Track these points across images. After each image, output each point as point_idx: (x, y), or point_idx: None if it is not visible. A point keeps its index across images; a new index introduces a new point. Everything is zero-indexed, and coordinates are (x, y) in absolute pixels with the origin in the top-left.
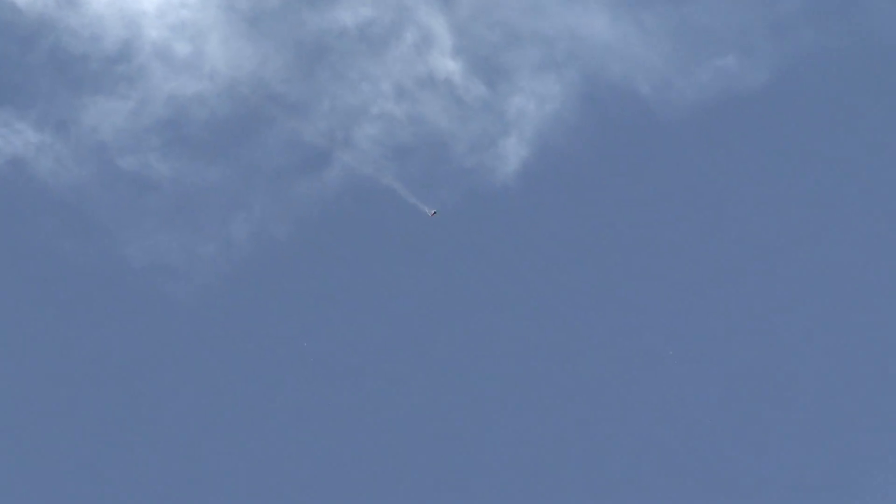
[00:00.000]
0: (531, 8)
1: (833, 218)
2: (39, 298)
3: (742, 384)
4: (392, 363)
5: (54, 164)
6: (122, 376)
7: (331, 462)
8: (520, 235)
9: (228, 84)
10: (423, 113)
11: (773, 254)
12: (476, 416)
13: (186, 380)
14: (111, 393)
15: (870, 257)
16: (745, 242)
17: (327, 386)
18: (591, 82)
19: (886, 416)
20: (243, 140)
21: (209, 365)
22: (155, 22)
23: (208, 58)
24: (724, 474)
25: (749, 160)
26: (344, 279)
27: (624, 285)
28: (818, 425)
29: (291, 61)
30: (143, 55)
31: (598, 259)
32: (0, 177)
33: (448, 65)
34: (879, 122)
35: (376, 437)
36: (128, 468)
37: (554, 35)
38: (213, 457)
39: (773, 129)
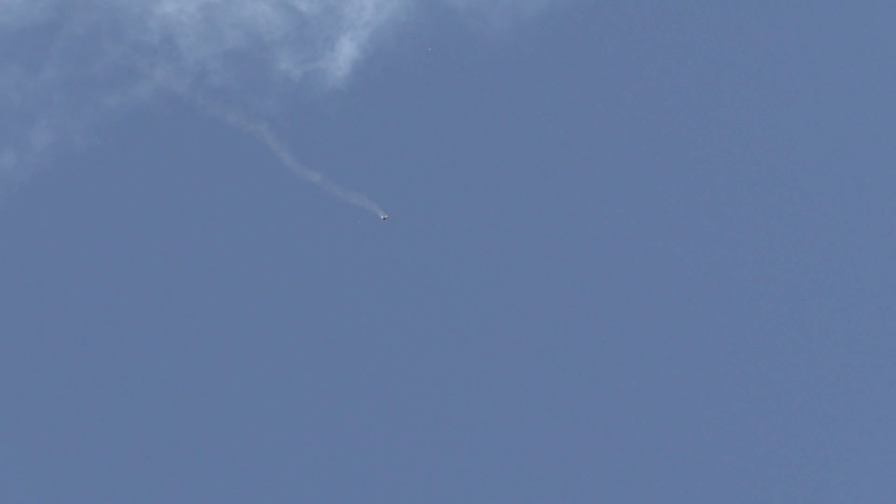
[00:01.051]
0: None
1: (654, 133)
2: None
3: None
4: (195, 280)
5: None
6: None
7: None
8: (348, 142)
9: None
10: (249, 17)
11: (593, 164)
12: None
13: None
14: None
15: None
16: (560, 149)
17: (136, 300)
18: None
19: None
20: (49, 47)
21: (8, 272)
22: None
23: None
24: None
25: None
26: (154, 194)
27: (448, 190)
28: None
29: None
30: None
31: (420, 166)
32: None
33: None
34: (709, 29)
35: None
36: None
37: None
38: (18, 376)
39: (594, 41)
